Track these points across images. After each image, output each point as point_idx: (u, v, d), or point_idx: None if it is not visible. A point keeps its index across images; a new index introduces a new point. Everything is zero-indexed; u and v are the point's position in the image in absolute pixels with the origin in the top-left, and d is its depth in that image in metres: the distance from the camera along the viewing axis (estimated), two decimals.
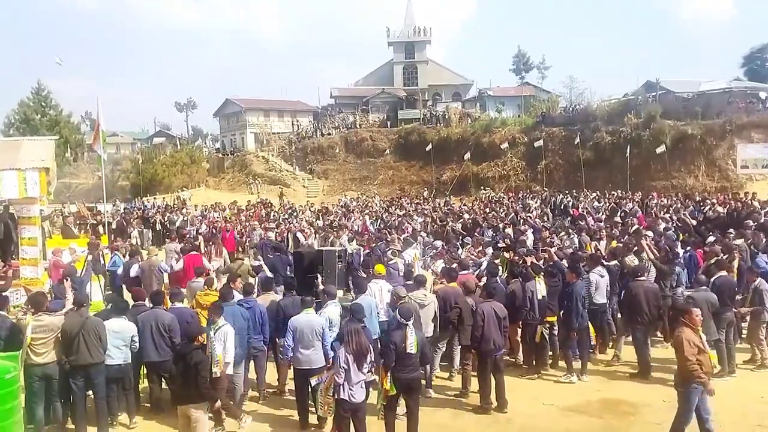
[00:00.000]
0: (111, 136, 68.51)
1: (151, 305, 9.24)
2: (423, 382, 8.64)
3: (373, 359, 7.24)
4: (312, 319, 8.63)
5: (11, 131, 53.11)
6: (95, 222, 27.23)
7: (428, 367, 9.13)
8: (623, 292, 11.29)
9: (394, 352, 7.42)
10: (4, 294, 9.44)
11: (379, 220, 26.86)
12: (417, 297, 9.64)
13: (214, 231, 24.47)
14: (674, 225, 18.65)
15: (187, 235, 21.81)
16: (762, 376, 10.20)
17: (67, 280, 11.39)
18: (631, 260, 12.09)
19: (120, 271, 14.55)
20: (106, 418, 8.47)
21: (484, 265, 12.79)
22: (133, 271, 13.82)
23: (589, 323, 10.54)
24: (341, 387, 7.03)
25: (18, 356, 8.02)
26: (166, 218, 29.67)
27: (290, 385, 9.85)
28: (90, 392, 8.54)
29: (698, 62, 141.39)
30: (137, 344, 8.62)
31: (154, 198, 42.72)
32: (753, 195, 23.79)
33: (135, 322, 8.76)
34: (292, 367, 9.01)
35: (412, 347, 7.49)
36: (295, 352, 8.48)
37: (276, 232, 22.66)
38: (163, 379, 9.12)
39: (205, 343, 8.05)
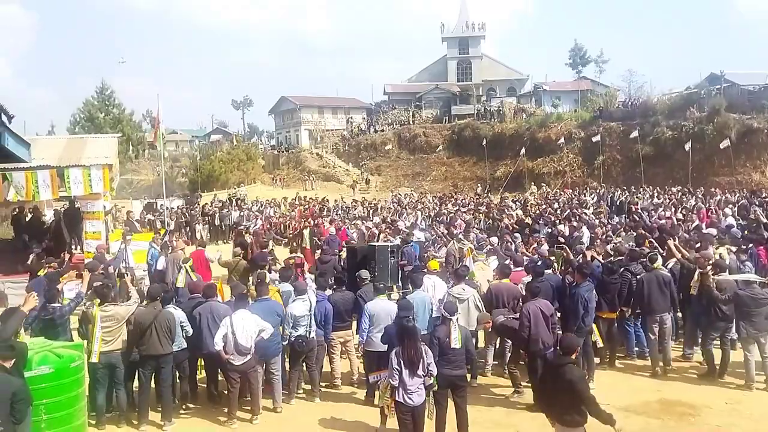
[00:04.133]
0: (170, 134, 70.12)
1: (205, 297, 9.41)
2: (468, 377, 8.60)
3: (429, 362, 7.15)
4: (386, 304, 9.23)
5: (76, 129, 54.78)
6: (153, 218, 28.02)
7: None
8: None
9: (437, 347, 7.42)
10: (58, 286, 9.81)
11: (430, 217, 26.87)
12: (455, 292, 9.65)
13: (268, 227, 24.90)
14: (738, 222, 18.09)
15: (243, 231, 22.15)
16: None
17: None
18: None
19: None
20: (171, 404, 8.75)
21: (539, 261, 12.64)
22: (160, 264, 14.18)
23: (594, 327, 9.95)
24: (397, 390, 7.04)
25: (83, 346, 8.35)
26: (222, 214, 30.31)
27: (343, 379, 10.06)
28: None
29: (763, 52, 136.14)
30: (189, 330, 8.82)
31: (215, 194, 43.44)
32: None
33: (193, 314, 8.97)
34: (362, 350, 9.55)
35: (456, 342, 7.50)
36: (369, 334, 9.02)
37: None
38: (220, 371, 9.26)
39: None
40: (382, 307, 9.15)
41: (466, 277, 10.40)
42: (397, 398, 7.05)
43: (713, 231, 15.11)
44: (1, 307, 8.12)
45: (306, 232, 21.93)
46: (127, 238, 16.09)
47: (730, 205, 22.90)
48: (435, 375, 7.20)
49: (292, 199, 37.45)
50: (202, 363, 9.58)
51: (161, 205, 29.69)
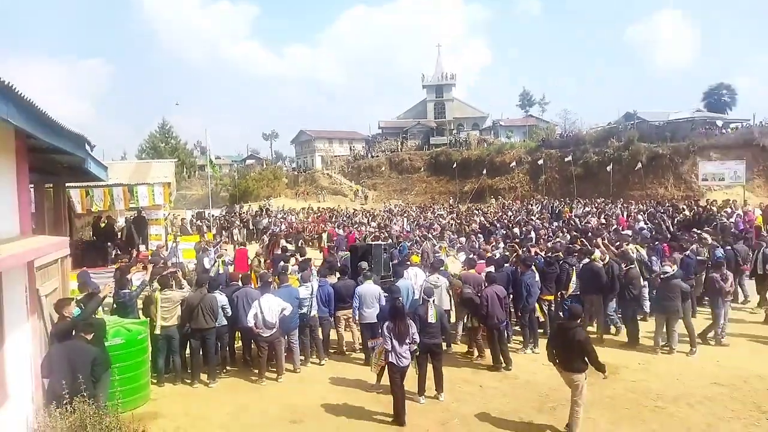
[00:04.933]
0: (216, 159, 70.04)
1: (242, 284, 9.38)
2: (444, 345, 8.57)
3: (413, 332, 7.13)
4: (371, 287, 9.35)
5: (143, 155, 54.72)
6: (200, 224, 27.90)
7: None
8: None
9: (419, 322, 7.39)
10: (128, 276, 9.75)
11: (414, 223, 26.85)
12: (432, 280, 9.64)
13: (290, 230, 24.82)
14: (648, 226, 18.13)
15: (270, 232, 22.08)
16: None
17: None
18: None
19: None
20: (215, 367, 8.70)
21: (497, 256, 12.63)
22: (206, 262, 14.01)
23: (537, 306, 9.91)
24: (389, 353, 7.00)
25: (147, 322, 8.30)
26: (255, 221, 30.24)
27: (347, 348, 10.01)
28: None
29: (667, 96, 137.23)
30: (229, 311, 8.72)
31: (249, 205, 43.34)
32: (712, 202, 22.94)
33: (232, 297, 8.90)
34: (358, 324, 9.59)
35: (432, 318, 7.49)
36: (360, 310, 9.19)
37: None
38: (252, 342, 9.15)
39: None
40: (368, 290, 9.28)
41: (441, 269, 10.38)
42: (390, 360, 7.02)
43: (629, 232, 15.16)
44: (83, 292, 8.10)
45: (324, 235, 21.93)
46: (176, 240, 16.03)
47: (642, 213, 22.98)
48: (417, 343, 7.19)
49: (308, 209, 37.33)
50: (239, 335, 9.53)
51: (208, 213, 29.57)
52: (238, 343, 9.71)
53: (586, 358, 6.39)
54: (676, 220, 20.31)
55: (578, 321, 6.70)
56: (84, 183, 13.43)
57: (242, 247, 15.08)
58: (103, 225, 16.43)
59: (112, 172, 13.94)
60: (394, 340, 6.94)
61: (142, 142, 60.68)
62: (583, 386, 6.48)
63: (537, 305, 9.92)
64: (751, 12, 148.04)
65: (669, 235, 15.36)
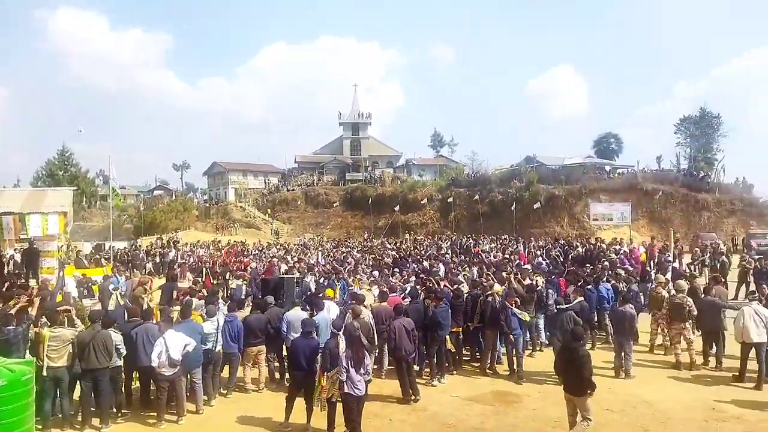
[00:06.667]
0: (120, 189, 66.47)
1: (142, 320, 8.70)
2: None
3: (368, 363, 7.03)
4: (298, 314, 9.52)
5: (39, 183, 50.83)
6: (99, 256, 26.03)
7: None
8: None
9: (329, 356, 7.25)
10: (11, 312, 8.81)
11: (329, 256, 26.64)
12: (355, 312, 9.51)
13: (199, 263, 23.73)
14: (546, 261, 19.20)
15: (176, 266, 21.00)
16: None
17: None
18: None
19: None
20: (108, 410, 7.98)
21: (408, 289, 12.75)
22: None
23: (447, 339, 10.02)
24: (344, 383, 6.85)
25: (33, 362, 7.50)
26: (163, 253, 28.66)
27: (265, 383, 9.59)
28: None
29: (563, 143, 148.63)
30: (124, 351, 8.09)
31: (157, 237, 40.90)
32: (602, 240, 24.76)
33: (131, 334, 8.26)
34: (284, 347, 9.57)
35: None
36: (287, 335, 9.27)
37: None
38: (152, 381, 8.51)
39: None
40: (295, 316, 9.40)
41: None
42: (346, 390, 6.87)
43: (528, 267, 15.91)
44: None
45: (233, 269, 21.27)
46: (62, 272, 14.96)
47: (540, 249, 24.31)
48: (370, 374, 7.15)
49: (217, 242, 35.89)
50: (137, 375, 8.83)
51: (109, 246, 27.65)
52: (136, 384, 8.99)
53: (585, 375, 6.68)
54: (570, 256, 21.69)
55: (581, 341, 7.04)
56: None
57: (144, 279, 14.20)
58: None
59: (2, 199, 12.82)
60: (351, 368, 6.82)
61: (38, 168, 56.67)
62: (590, 405, 6.84)
63: (447, 337, 10.06)
64: (632, 75, 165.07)
65: (565, 269, 16.32)
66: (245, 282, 17.01)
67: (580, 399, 6.84)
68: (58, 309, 8.30)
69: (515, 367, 10.00)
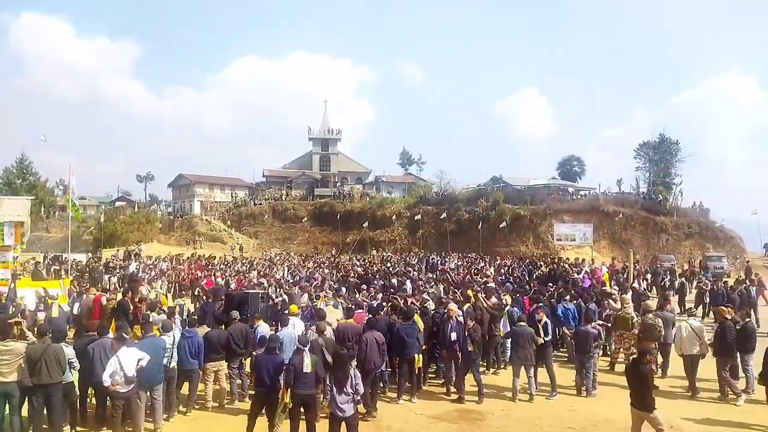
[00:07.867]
0: (80, 199, 64.43)
1: (98, 335, 8.36)
2: (321, 397, 8.21)
3: (357, 383, 6.84)
4: (264, 327, 9.90)
5: None
6: (58, 268, 25.08)
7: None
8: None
9: (293, 372, 7.10)
10: None
11: (296, 272, 26.29)
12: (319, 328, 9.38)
13: (162, 277, 23.09)
14: (511, 279, 19.39)
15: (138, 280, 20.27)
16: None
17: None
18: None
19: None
20: (61, 428, 7.62)
21: (376, 305, 12.62)
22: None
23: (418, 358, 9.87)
24: (330, 404, 6.74)
25: None
26: (123, 265, 27.77)
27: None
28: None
29: (528, 164, 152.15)
30: (77, 365, 7.80)
31: (117, 250, 39.66)
32: (565, 260, 25.24)
33: (87, 350, 7.91)
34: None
35: (307, 367, 7.19)
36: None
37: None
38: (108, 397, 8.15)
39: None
40: (264, 330, 9.59)
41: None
42: (331, 410, 6.76)
43: (493, 285, 16.01)
44: None
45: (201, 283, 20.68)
46: (14, 283, 14.42)
47: (505, 267, 24.61)
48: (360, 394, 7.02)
49: (179, 255, 35.02)
50: (93, 391, 8.47)
51: (65, 257, 26.64)
52: (92, 400, 8.60)
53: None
54: (534, 275, 22.01)
55: (647, 358, 7.23)
56: None
57: (101, 293, 13.70)
58: None
59: None
60: (334, 389, 6.71)
61: None
62: (660, 418, 6.96)
63: (416, 356, 9.93)
64: (594, 100, 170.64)
65: (531, 289, 16.48)
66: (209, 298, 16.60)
67: (645, 414, 7.01)
68: (9, 321, 7.88)
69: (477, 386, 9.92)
